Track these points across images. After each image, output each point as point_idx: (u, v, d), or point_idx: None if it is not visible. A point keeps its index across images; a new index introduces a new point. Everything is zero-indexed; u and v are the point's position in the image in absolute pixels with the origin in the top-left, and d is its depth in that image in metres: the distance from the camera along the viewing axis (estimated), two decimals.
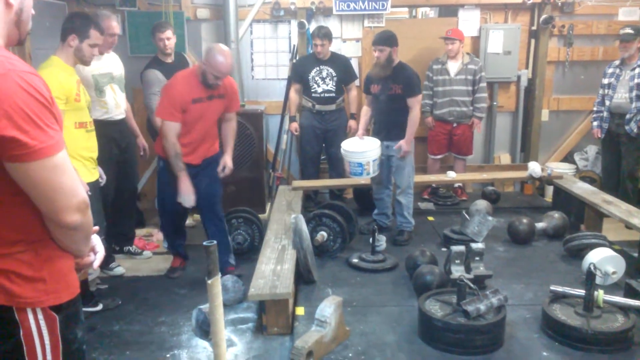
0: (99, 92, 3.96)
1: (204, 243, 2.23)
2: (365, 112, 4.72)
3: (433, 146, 5.71)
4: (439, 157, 5.77)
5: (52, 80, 3.00)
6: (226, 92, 3.78)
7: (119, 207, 4.21)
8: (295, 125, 5.52)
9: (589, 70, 6.12)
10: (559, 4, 5.86)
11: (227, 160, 3.94)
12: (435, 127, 5.64)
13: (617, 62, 5.26)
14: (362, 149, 4.45)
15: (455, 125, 5.60)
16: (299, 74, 5.43)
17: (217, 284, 2.38)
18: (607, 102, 5.23)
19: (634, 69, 5.03)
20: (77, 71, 3.75)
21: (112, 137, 4.04)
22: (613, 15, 5.98)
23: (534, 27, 6.00)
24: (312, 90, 5.37)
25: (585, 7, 5.95)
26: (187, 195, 3.68)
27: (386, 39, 4.41)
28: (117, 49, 5.40)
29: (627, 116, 5.04)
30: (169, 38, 4.66)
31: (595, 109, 5.44)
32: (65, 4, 5.10)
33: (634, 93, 4.99)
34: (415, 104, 4.42)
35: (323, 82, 5.34)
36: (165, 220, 4.06)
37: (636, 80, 4.98)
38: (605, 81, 5.29)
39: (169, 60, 4.72)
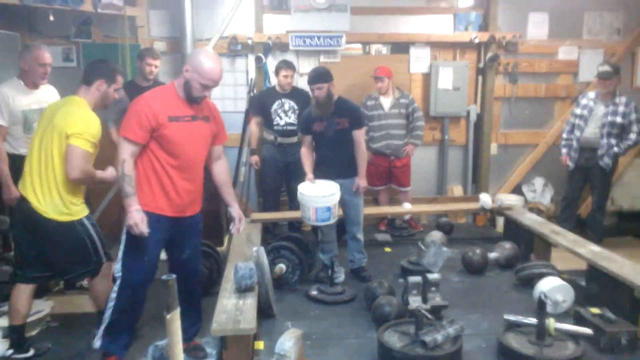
0: (27, 128, 3.82)
1: (163, 277, 2.20)
2: (306, 154, 4.46)
3: (373, 177, 5.73)
4: (380, 187, 5.89)
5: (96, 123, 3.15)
6: (211, 114, 3.17)
7: None
8: (256, 158, 5.54)
9: (533, 106, 6.44)
10: (504, 43, 6.16)
11: (239, 213, 3.37)
12: (373, 160, 5.72)
13: (592, 95, 5.35)
14: (329, 192, 4.16)
15: (393, 158, 5.74)
16: (260, 107, 5.46)
17: (177, 319, 2.34)
18: (577, 133, 5.33)
19: (608, 106, 5.16)
20: (5, 106, 3.72)
21: None
22: (554, 54, 6.34)
23: (481, 65, 6.28)
24: (275, 123, 5.40)
25: (528, 47, 6.29)
26: (136, 225, 2.88)
27: (322, 76, 4.26)
28: (73, 81, 5.41)
29: (599, 152, 5.18)
30: (157, 67, 4.84)
31: (564, 136, 5.53)
32: (18, 35, 5.03)
33: (606, 130, 5.13)
34: (362, 137, 4.39)
35: (285, 114, 5.39)
36: (125, 295, 3.03)
37: (609, 119, 5.12)
38: (578, 111, 5.38)
39: (146, 84, 4.72)
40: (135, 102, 2.99)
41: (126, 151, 2.90)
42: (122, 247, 3.03)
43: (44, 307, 3.79)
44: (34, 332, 3.62)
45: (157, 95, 3.01)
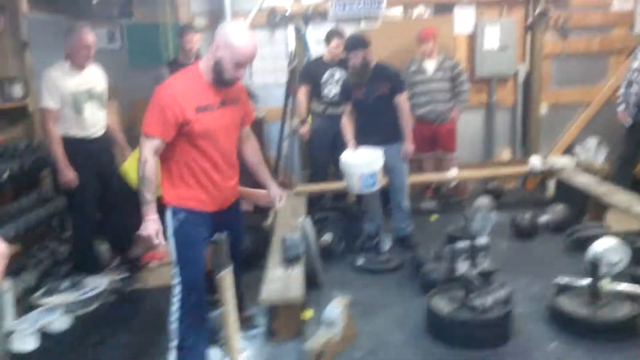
0: (76, 110, 3.90)
1: (213, 238, 2.22)
2: (347, 122, 4.46)
3: (417, 144, 5.54)
4: (425, 154, 5.72)
5: None
6: (239, 94, 2.88)
7: (115, 219, 4.29)
8: (306, 128, 5.47)
9: (585, 62, 6.14)
10: None
11: (278, 191, 3.11)
12: (417, 127, 5.57)
13: None
14: (372, 158, 4.10)
15: (437, 124, 5.56)
16: (310, 77, 5.38)
17: (228, 277, 2.38)
18: (635, 88, 4.97)
19: None
20: (55, 89, 3.81)
21: (91, 154, 4.00)
22: (608, 5, 6.00)
23: (529, 21, 6.02)
24: (324, 94, 5.34)
25: None
26: (149, 237, 2.58)
27: (357, 43, 4.22)
28: (116, 61, 5.54)
29: None
30: (198, 42, 4.92)
31: (621, 91, 5.16)
32: (64, 18, 5.15)
33: None
34: (404, 101, 4.34)
35: (335, 85, 5.31)
36: (190, 302, 2.75)
37: None
38: (635, 65, 5.02)
39: (188, 62, 4.68)
40: (158, 92, 2.63)
41: (148, 150, 2.58)
42: (174, 253, 2.74)
43: (101, 282, 3.96)
44: (91, 308, 3.79)
45: (182, 84, 2.66)
